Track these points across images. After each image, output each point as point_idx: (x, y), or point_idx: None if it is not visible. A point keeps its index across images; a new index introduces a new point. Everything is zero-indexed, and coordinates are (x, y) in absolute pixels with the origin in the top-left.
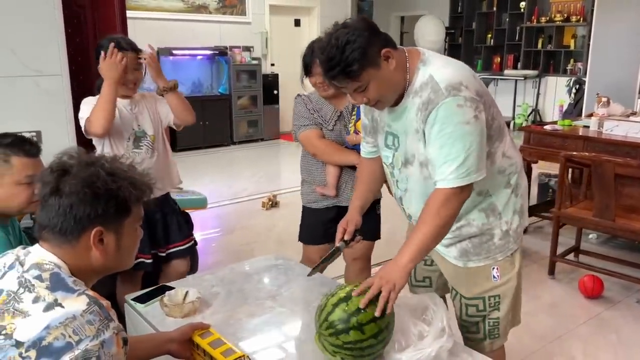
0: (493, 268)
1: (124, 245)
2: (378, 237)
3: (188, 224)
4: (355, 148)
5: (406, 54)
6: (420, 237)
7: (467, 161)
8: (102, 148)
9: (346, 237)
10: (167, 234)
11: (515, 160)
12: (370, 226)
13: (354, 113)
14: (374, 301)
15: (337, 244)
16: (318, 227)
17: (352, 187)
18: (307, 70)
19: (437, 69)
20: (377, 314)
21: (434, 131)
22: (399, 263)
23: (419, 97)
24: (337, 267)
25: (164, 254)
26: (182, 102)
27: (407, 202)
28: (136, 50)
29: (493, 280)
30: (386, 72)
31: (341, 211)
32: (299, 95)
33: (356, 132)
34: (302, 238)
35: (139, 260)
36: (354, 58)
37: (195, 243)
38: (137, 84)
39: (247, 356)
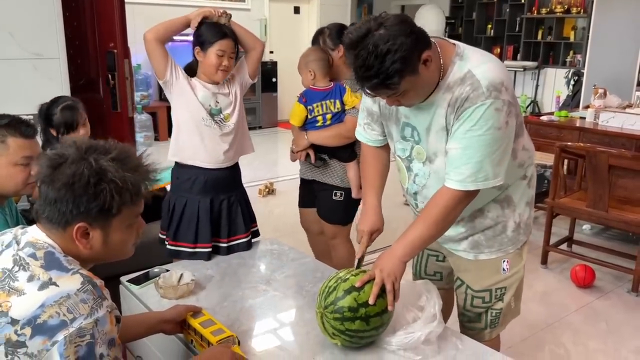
0: (504, 261)
1: (113, 240)
2: (344, 221)
3: (250, 214)
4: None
5: (438, 49)
6: (419, 233)
7: (488, 166)
8: (177, 116)
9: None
10: (229, 223)
11: (532, 152)
12: (324, 207)
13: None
14: (380, 294)
15: (359, 255)
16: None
17: (301, 164)
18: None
19: (476, 65)
20: (389, 308)
21: (463, 129)
22: (395, 255)
23: (451, 93)
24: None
25: (225, 245)
26: (243, 27)
27: (423, 197)
28: (236, 42)
29: (502, 272)
30: (424, 77)
31: (302, 182)
32: None
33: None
34: None
35: (196, 250)
36: (394, 69)
37: (251, 236)
38: (226, 72)
39: (236, 336)
